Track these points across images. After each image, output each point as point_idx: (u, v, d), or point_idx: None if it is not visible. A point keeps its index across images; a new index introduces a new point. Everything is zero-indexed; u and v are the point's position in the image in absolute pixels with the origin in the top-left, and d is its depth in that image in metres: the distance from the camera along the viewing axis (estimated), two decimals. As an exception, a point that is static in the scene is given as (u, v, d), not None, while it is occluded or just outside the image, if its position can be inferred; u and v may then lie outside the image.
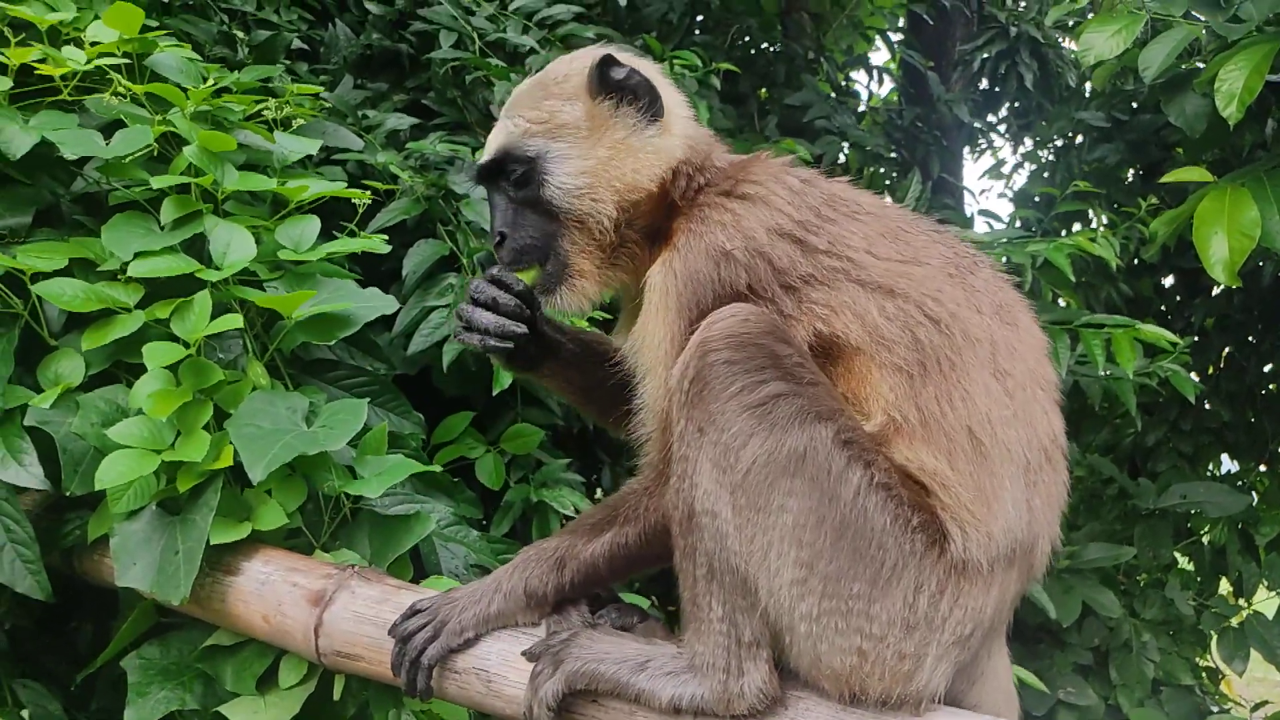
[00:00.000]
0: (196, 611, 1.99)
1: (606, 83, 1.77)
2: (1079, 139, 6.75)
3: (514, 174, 1.77)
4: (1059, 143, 7.10)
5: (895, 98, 6.95)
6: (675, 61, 4.13)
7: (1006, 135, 7.34)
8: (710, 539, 1.50)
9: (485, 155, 1.83)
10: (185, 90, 2.40)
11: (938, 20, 5.91)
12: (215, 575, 1.96)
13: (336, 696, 1.91)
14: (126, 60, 2.40)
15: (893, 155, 5.79)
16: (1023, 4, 6.00)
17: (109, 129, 2.29)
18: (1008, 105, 6.27)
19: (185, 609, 1.96)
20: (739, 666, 1.51)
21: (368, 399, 2.07)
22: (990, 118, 6.88)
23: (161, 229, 2.20)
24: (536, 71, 1.95)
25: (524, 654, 1.66)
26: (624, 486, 1.74)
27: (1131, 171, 6.42)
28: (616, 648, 1.60)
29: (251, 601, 1.91)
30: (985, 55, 5.69)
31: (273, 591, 1.90)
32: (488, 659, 1.71)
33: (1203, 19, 4.51)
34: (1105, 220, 6.17)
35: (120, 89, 2.35)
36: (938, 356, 1.55)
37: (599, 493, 3.70)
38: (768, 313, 1.55)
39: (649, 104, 1.76)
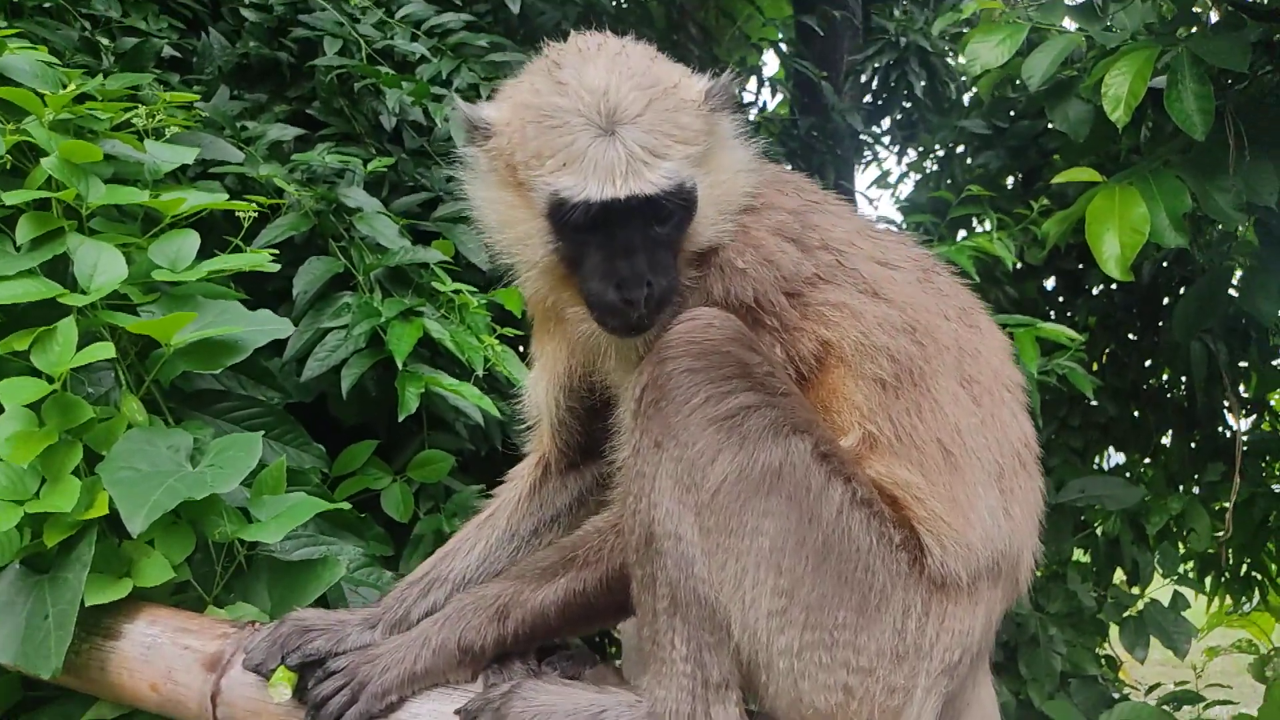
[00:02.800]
0: (73, 683, 1.75)
1: (725, 97, 1.58)
2: (960, 148, 6.93)
3: (667, 213, 1.51)
4: (941, 152, 7.28)
5: (785, 110, 6.99)
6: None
7: (891, 146, 7.47)
8: (673, 566, 1.36)
9: (634, 188, 1.48)
10: (42, 96, 2.15)
11: (827, 31, 5.97)
12: (93, 640, 1.73)
13: (239, 769, 1.71)
14: (-31, 63, 2.15)
15: (789, 166, 5.81)
16: (908, 14, 6.12)
17: (-50, 140, 2.03)
18: (890, 117, 6.37)
19: (59, 680, 1.72)
20: (706, 712, 1.38)
21: (261, 432, 1.86)
22: (875, 128, 6.98)
23: (17, 250, 1.95)
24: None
25: (458, 713, 1.49)
26: (585, 525, 1.59)
27: (1011, 178, 6.60)
28: (565, 699, 1.44)
29: (137, 669, 1.69)
30: (876, 65, 5.77)
31: (161, 656, 1.68)
32: (416, 720, 1.53)
33: (1073, 28, 4.65)
34: (992, 224, 6.32)
35: (-37, 95, 2.10)
36: (910, 367, 1.46)
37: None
38: (733, 318, 1.43)
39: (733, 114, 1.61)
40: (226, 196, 2.35)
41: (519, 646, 1.54)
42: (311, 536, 1.95)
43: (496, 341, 2.85)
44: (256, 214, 2.26)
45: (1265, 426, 6.44)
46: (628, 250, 1.49)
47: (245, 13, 3.68)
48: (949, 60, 5.64)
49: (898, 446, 1.43)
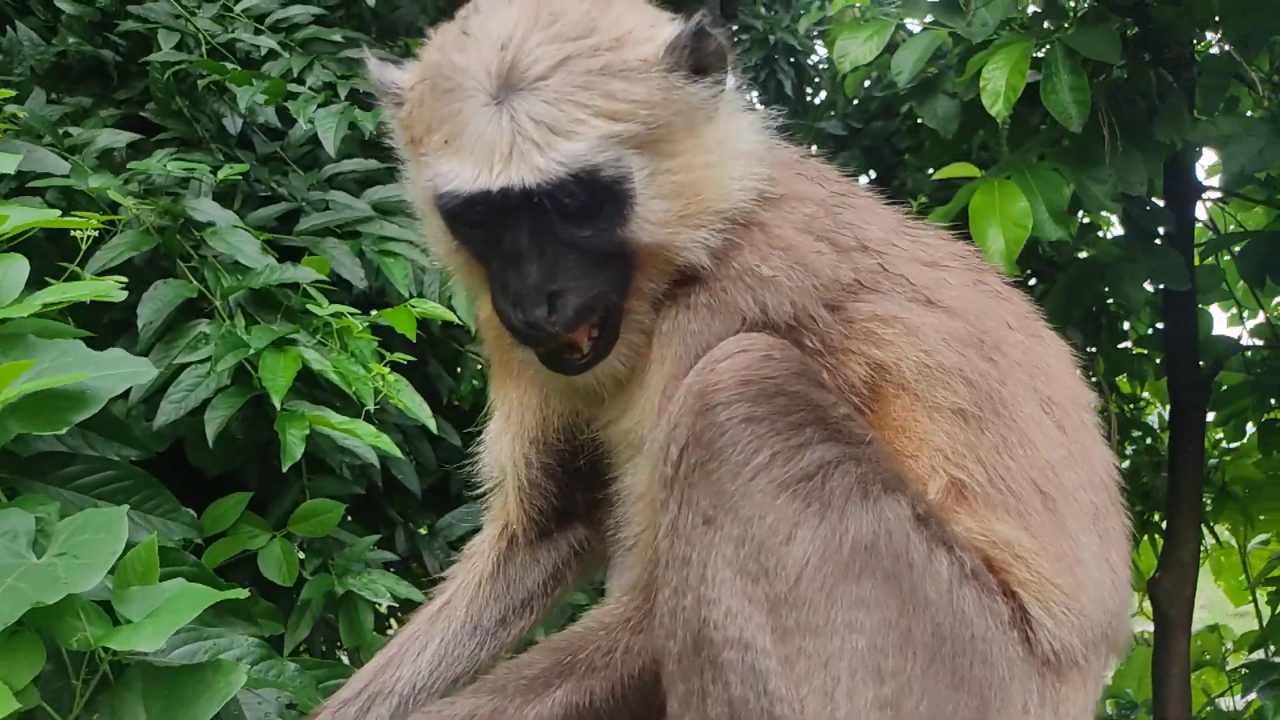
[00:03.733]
0: None
1: (701, 54, 1.25)
2: (814, 148, 6.96)
3: (573, 204, 1.20)
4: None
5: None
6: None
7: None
8: (738, 682, 1.07)
9: (517, 176, 1.19)
10: None
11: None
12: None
13: None
14: None
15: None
16: (774, 11, 6.06)
17: None
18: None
19: None
20: None
21: (125, 505, 1.48)
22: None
23: None
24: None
25: None
26: (585, 619, 1.26)
27: (865, 178, 6.66)
28: None
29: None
30: (746, 64, 5.66)
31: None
32: None
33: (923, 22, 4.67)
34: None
35: None
36: (989, 391, 1.20)
37: (417, 567, 3.16)
38: (789, 344, 1.15)
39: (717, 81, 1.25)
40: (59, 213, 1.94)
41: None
42: (192, 630, 1.58)
43: (387, 370, 2.51)
44: (96, 232, 1.86)
45: (1114, 408, 6.71)
46: (515, 257, 1.20)
47: (62, 4, 3.18)
48: (815, 59, 5.60)
49: (992, 494, 1.17)
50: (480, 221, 1.22)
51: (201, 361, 2.36)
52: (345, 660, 2.74)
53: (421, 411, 2.56)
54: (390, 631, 2.83)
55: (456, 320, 2.70)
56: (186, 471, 2.47)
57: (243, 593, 1.46)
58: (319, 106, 2.96)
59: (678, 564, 1.10)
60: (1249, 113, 4.66)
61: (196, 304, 2.52)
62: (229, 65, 3.12)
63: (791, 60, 5.66)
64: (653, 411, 1.22)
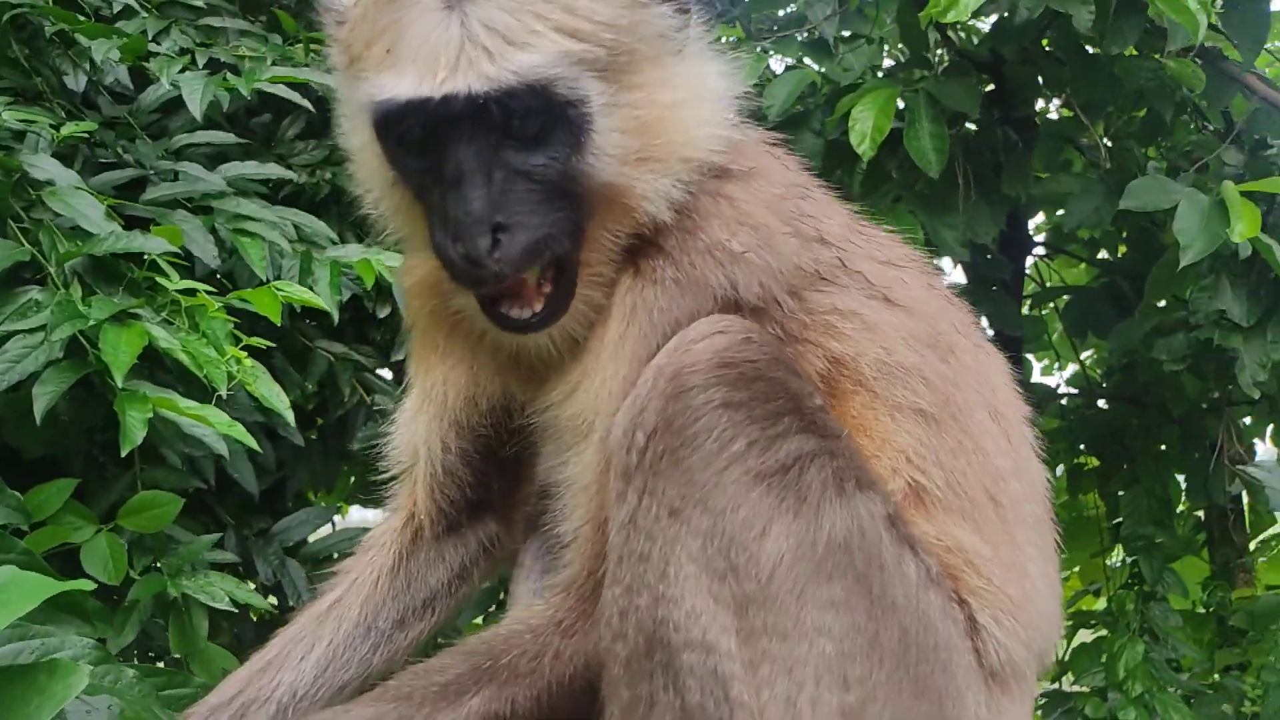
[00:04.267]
0: None
1: None
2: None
3: (523, 124, 1.11)
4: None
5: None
6: (312, 43, 3.48)
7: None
8: (696, 687, 0.99)
9: (464, 83, 1.09)
10: None
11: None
12: None
13: None
14: None
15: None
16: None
17: None
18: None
19: None
20: None
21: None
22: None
23: None
24: None
25: None
26: (506, 621, 1.17)
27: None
28: None
29: None
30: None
31: None
32: None
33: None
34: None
35: None
36: (946, 394, 1.18)
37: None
38: (763, 329, 1.10)
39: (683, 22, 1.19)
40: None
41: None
42: (18, 626, 1.38)
43: (244, 355, 2.33)
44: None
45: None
46: (457, 180, 1.11)
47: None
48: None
49: (949, 499, 1.14)
50: (421, 145, 1.12)
51: (31, 331, 2.12)
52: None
53: (279, 402, 2.40)
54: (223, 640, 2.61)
55: (323, 306, 2.53)
56: (6, 452, 2.21)
57: (88, 584, 1.29)
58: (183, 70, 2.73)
59: (633, 560, 1.02)
60: (1081, 173, 5.01)
61: (28, 268, 2.28)
62: (81, 19, 2.86)
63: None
64: (607, 395, 1.14)
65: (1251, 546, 5.62)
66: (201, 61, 3.03)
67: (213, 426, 2.10)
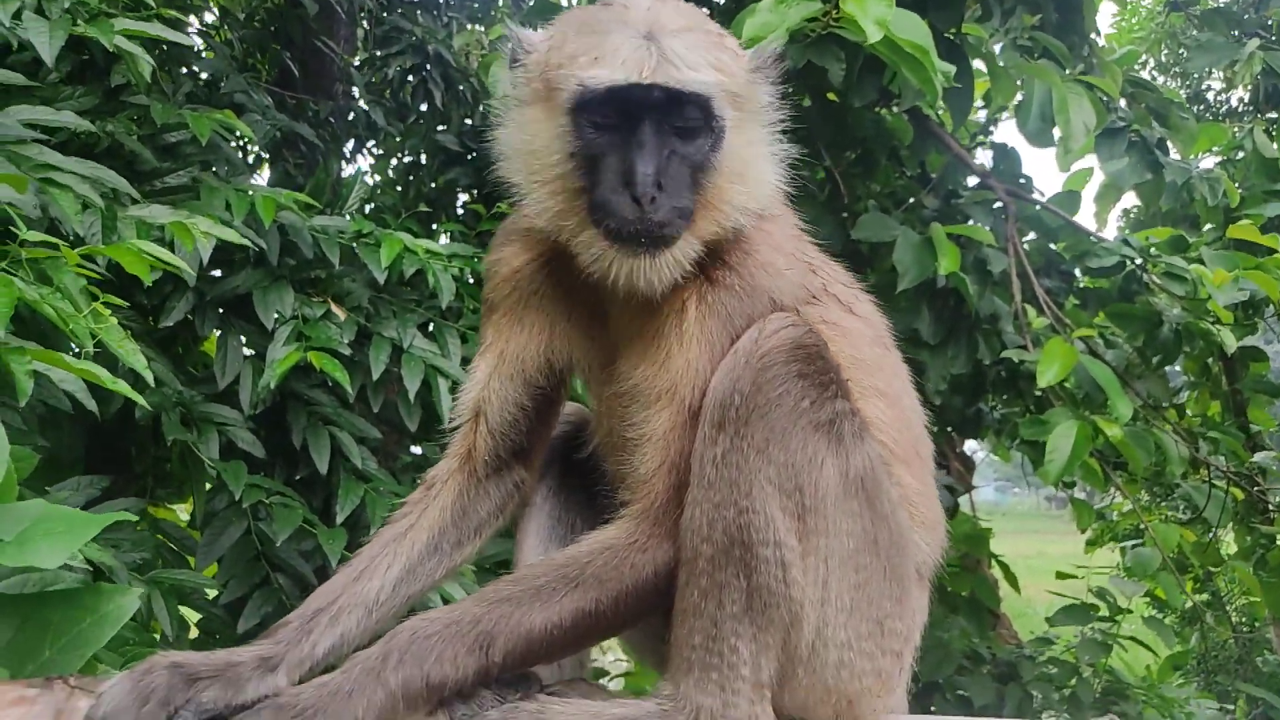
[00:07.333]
0: None
1: (772, 64, 1.60)
2: (425, 158, 7.16)
3: (687, 120, 1.47)
4: (409, 159, 7.44)
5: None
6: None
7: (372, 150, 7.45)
8: (765, 572, 1.36)
9: (659, 78, 1.45)
10: None
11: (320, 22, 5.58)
12: None
13: None
14: None
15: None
16: (433, 22, 6.14)
17: None
18: (407, 119, 6.37)
19: None
20: (756, 714, 1.37)
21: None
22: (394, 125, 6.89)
23: None
24: None
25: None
26: (583, 543, 1.47)
27: (465, 195, 7.00)
28: (582, 711, 1.32)
29: None
30: (401, 65, 5.66)
31: None
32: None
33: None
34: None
35: None
36: (889, 379, 1.63)
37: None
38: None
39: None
40: None
41: (501, 676, 1.37)
42: None
43: (107, 311, 2.33)
44: None
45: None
46: (642, 147, 1.47)
47: None
48: (469, 79, 5.78)
49: (899, 453, 1.59)
50: (610, 123, 1.47)
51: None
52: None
53: (136, 360, 2.40)
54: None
55: (183, 268, 2.53)
56: None
57: (130, 515, 1.40)
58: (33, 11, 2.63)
59: (724, 484, 1.37)
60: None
61: None
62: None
63: (443, 73, 5.82)
64: (691, 370, 1.48)
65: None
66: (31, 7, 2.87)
67: (102, 383, 2.11)
